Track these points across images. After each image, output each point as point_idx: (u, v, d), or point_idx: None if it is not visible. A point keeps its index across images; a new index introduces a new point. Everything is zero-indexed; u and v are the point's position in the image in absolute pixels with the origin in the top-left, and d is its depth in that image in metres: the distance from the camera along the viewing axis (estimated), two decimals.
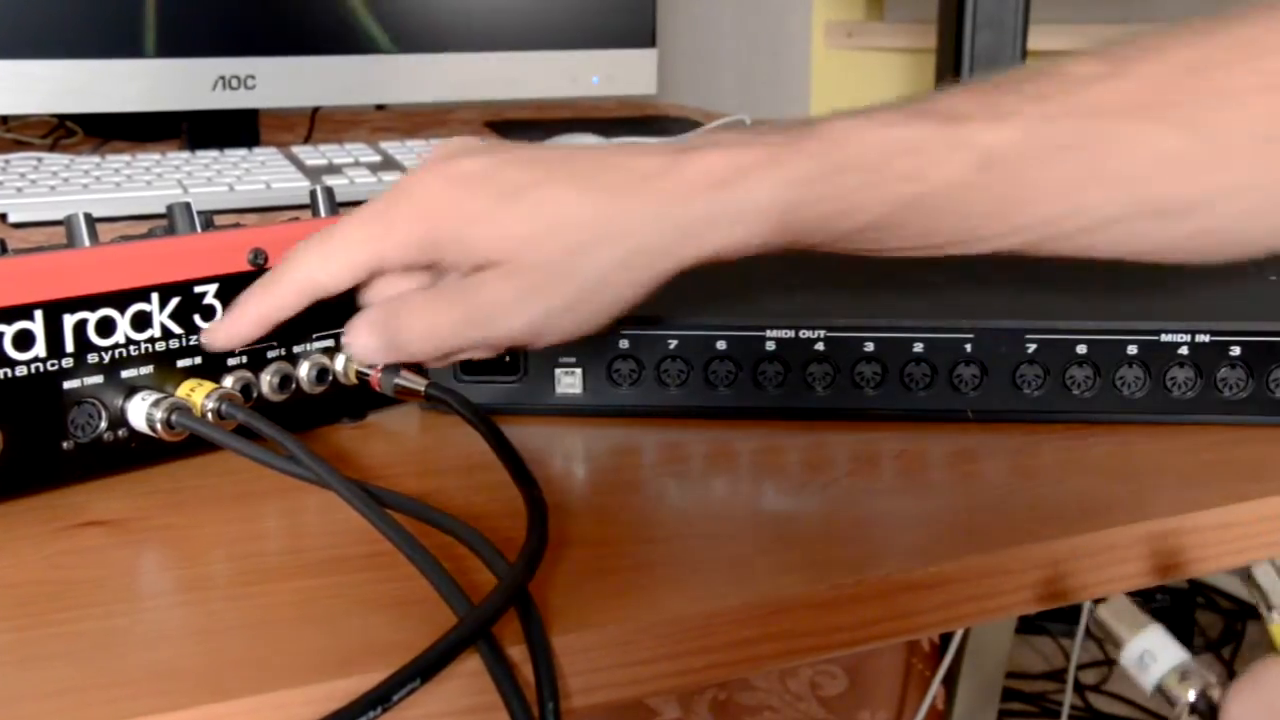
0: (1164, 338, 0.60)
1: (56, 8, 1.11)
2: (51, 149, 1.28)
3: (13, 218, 0.96)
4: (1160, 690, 0.39)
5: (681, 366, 0.61)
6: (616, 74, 1.33)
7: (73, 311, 0.52)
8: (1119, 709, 1.94)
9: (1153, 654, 0.40)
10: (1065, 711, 1.56)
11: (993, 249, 0.54)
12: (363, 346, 0.55)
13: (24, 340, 0.50)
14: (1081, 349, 0.60)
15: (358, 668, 0.40)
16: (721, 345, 0.61)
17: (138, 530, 0.51)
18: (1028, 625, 2.05)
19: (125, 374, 0.53)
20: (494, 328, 0.53)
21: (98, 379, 0.53)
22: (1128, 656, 0.41)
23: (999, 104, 0.52)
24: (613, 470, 0.58)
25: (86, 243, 0.54)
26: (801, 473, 0.57)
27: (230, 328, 0.55)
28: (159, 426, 0.53)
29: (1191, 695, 0.38)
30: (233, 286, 0.56)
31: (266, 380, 0.58)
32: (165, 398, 0.53)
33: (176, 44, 1.15)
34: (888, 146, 0.52)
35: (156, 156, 1.10)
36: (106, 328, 0.53)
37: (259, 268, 0.56)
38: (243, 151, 1.13)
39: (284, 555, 0.49)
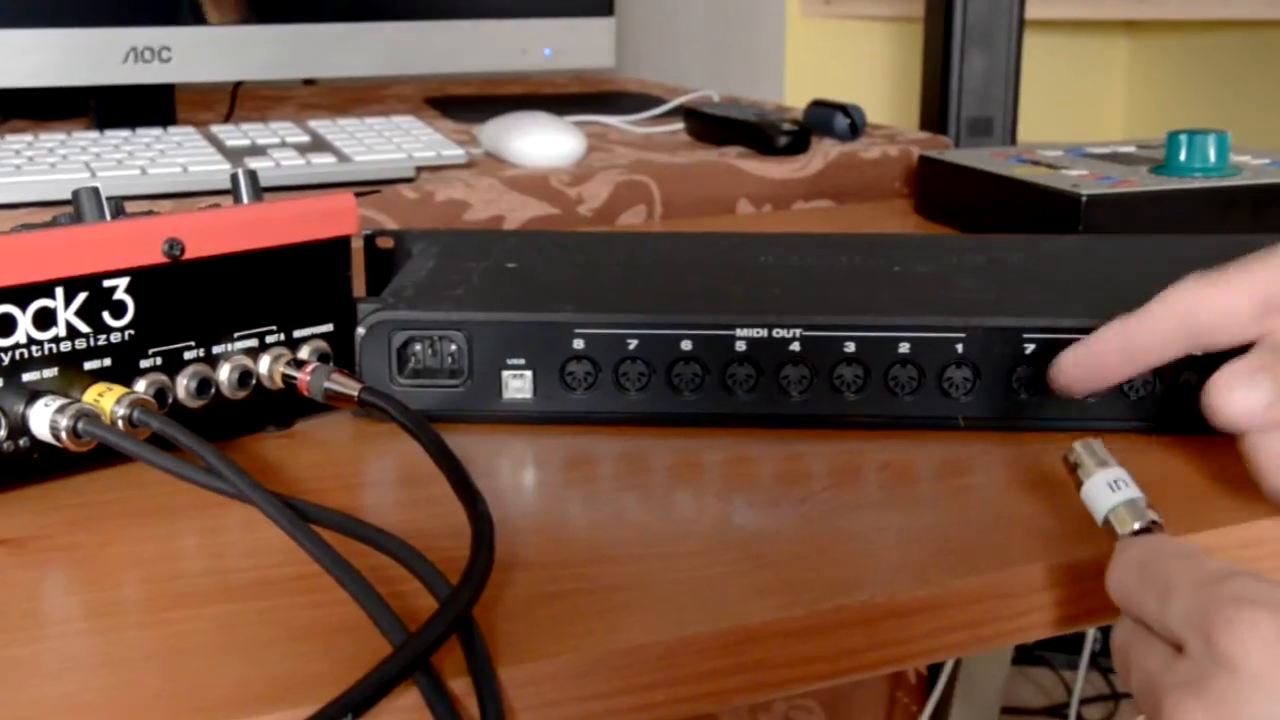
0: None
1: None
2: None
3: None
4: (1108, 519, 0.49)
5: (642, 369, 0.61)
6: (570, 45, 1.33)
7: None
8: None
9: (1119, 483, 0.49)
10: None
11: None
12: (1254, 401, 0.52)
13: None
14: None
15: (283, 702, 0.40)
16: (686, 345, 0.61)
17: (40, 550, 0.51)
18: (1025, 655, 2.07)
19: (26, 377, 0.53)
20: None
21: None
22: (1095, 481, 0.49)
23: None
24: (566, 483, 0.58)
25: None
26: (775, 486, 0.57)
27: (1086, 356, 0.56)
28: (64, 435, 0.53)
29: (1137, 526, 0.48)
30: (146, 280, 0.56)
31: (183, 384, 0.57)
32: (71, 403, 0.53)
33: (83, 12, 1.14)
34: None
35: (61, 136, 1.09)
36: (6, 326, 0.52)
37: (175, 259, 0.56)
38: (157, 131, 1.12)
39: (202, 577, 0.49)
